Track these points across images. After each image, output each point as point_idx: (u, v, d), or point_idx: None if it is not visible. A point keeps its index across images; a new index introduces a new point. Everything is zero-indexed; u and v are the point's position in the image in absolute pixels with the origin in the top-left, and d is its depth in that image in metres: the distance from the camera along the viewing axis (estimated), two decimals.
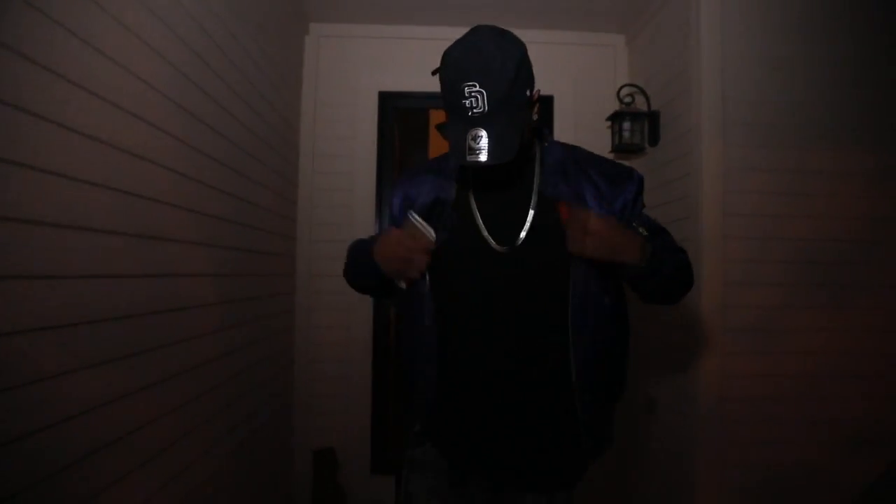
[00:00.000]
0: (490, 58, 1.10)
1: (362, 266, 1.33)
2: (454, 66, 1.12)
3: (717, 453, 2.33)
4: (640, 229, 1.27)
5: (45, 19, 1.04)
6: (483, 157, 1.10)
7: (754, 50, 2.37)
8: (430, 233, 1.22)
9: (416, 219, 1.23)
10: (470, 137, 1.10)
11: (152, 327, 1.47)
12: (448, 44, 1.19)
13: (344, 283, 1.49)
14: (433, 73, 1.24)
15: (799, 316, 2.37)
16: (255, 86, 2.29)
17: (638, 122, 2.81)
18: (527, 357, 1.30)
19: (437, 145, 4.41)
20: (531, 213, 1.29)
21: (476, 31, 1.16)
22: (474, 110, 1.10)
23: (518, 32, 1.23)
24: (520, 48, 1.16)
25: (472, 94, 1.10)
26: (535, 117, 1.27)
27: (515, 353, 1.30)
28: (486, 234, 1.30)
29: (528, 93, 1.18)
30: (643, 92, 2.84)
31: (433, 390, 1.35)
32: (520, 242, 1.28)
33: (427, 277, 1.30)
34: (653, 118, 2.78)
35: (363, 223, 3.11)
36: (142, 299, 1.42)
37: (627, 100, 2.86)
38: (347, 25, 3.16)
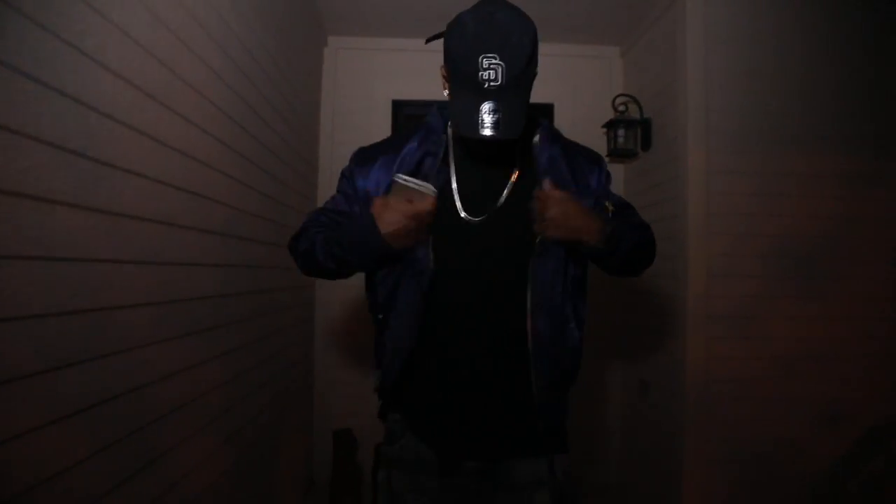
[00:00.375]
0: (509, 31, 1.08)
1: (356, 248, 1.23)
2: (471, 36, 1.08)
3: (703, 429, 2.58)
4: (608, 204, 1.32)
5: (159, 65, 1.28)
6: (495, 132, 1.08)
7: (734, 63, 2.63)
8: (429, 188, 1.15)
9: (406, 180, 1.15)
10: (483, 111, 1.07)
11: (210, 310, 1.71)
12: None
13: (357, 277, 1.39)
14: (428, 40, 1.23)
15: (774, 305, 2.62)
16: (283, 95, 2.54)
17: (631, 129, 3.06)
18: (506, 327, 1.29)
19: None
20: (509, 186, 1.30)
21: (490, 2, 1.13)
22: (491, 83, 1.07)
23: None
24: (533, 24, 1.13)
25: (492, 66, 1.06)
26: None
27: (493, 324, 1.29)
28: (459, 204, 1.28)
29: (536, 68, 1.16)
30: (636, 101, 3.09)
31: (400, 360, 1.31)
32: (492, 215, 1.28)
33: (430, 243, 1.25)
34: (645, 125, 3.03)
35: None
36: (209, 285, 1.67)
37: (622, 108, 3.11)
38: (363, 38, 3.41)
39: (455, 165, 1.31)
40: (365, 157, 1.36)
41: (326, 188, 3.35)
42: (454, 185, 1.29)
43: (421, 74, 3.41)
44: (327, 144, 3.36)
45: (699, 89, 2.62)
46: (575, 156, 1.37)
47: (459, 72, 1.10)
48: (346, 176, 1.38)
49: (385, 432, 1.41)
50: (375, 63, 3.43)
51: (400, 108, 3.44)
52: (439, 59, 1.19)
